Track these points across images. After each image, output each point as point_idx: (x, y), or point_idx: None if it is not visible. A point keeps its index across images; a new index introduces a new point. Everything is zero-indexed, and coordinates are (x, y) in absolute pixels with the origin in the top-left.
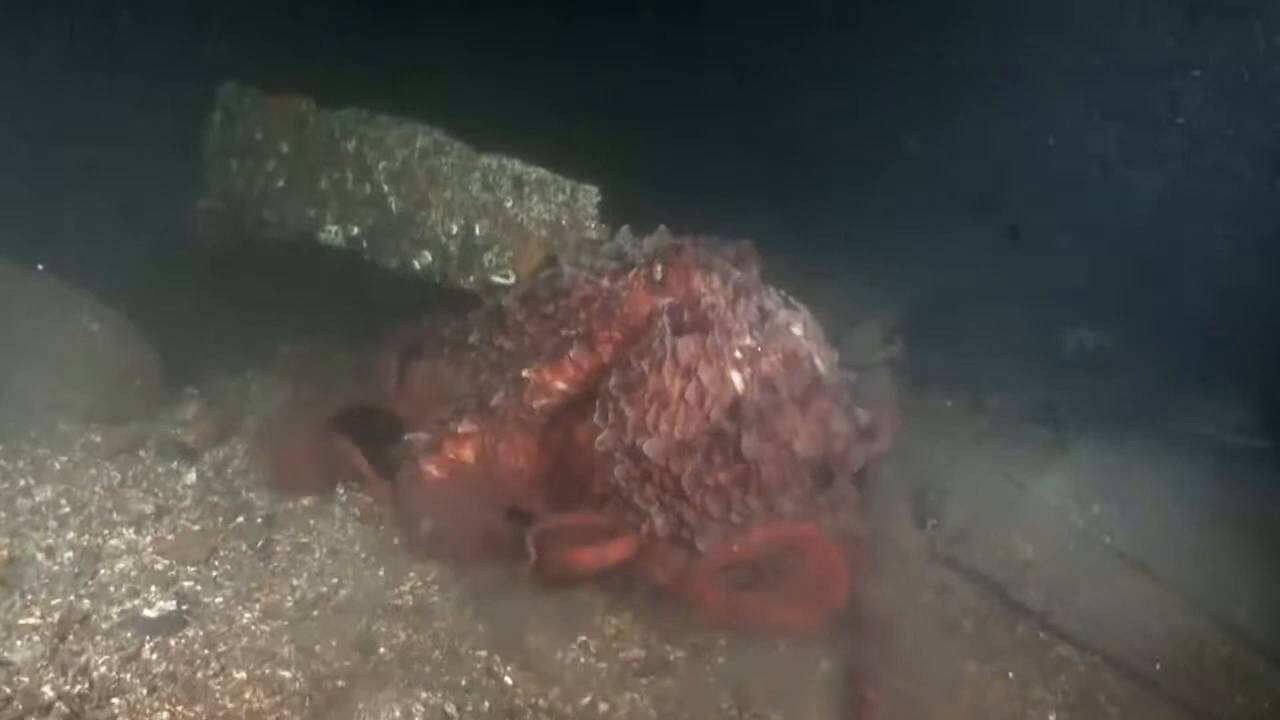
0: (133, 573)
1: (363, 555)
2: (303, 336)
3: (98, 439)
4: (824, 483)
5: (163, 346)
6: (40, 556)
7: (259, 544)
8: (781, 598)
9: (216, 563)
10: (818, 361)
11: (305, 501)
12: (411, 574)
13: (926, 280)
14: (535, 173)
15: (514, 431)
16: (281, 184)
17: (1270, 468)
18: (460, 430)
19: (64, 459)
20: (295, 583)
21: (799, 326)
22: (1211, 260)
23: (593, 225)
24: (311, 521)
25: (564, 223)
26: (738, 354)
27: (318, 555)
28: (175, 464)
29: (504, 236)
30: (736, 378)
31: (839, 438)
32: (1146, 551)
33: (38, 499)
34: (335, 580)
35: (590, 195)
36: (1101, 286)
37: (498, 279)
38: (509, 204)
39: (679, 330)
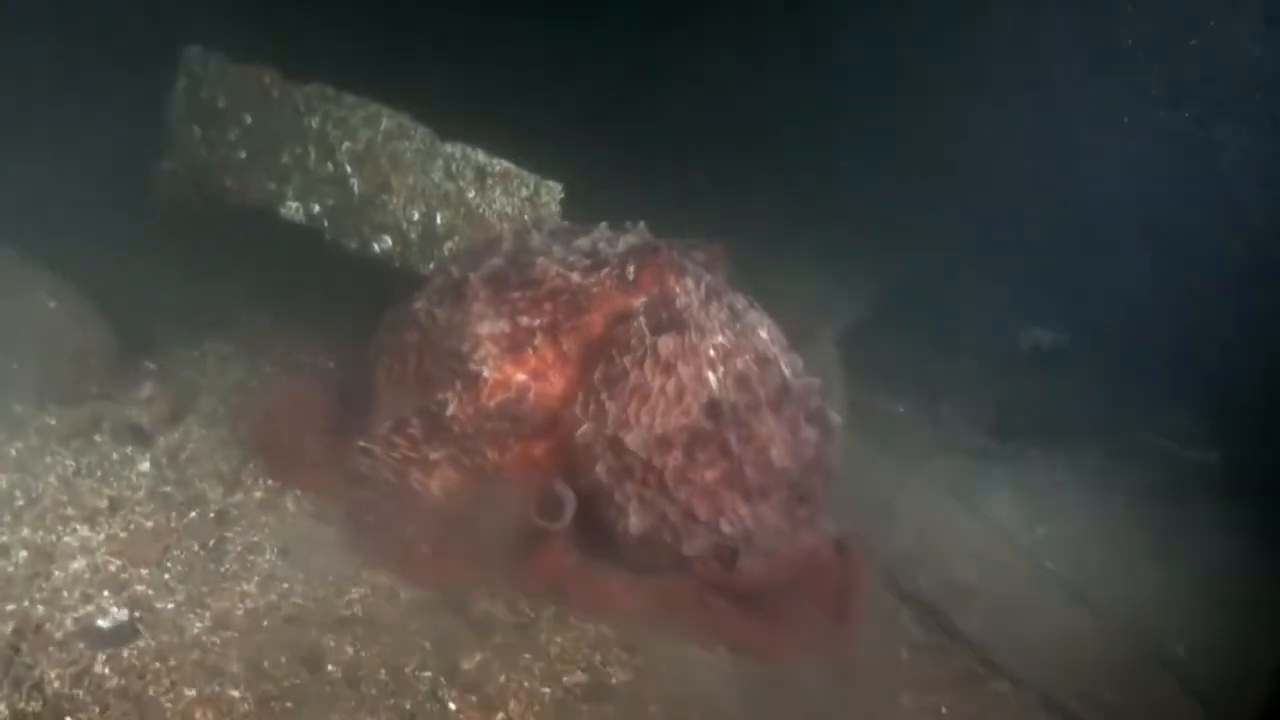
0: (86, 575)
1: (313, 557)
2: (261, 306)
3: (52, 421)
4: (798, 493)
5: (121, 316)
6: None
7: (211, 543)
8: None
9: (169, 563)
10: (783, 366)
11: (258, 494)
12: (361, 581)
13: (890, 277)
14: (499, 164)
15: (478, 445)
16: (244, 155)
17: (1218, 489)
18: (431, 457)
19: (19, 445)
20: (246, 588)
21: (765, 330)
22: (1174, 265)
23: (555, 221)
24: (263, 518)
25: (526, 217)
26: (712, 352)
27: (269, 556)
28: (130, 449)
29: (465, 227)
30: (711, 376)
31: (808, 445)
32: (1090, 580)
33: None
34: (286, 585)
35: (554, 191)
36: (1062, 286)
37: None
38: (471, 194)
39: (656, 329)
